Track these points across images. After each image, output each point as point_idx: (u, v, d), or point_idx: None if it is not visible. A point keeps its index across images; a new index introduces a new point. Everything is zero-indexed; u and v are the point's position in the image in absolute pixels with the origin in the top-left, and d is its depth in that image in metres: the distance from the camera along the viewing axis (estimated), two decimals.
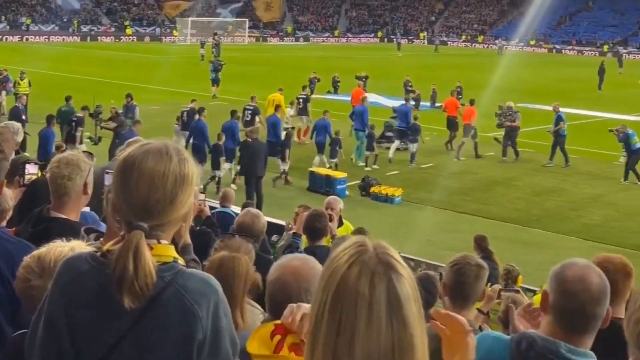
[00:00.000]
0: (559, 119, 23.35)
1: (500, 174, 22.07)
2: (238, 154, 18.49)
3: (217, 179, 18.61)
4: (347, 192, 18.75)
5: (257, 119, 22.61)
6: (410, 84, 36.17)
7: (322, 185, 18.88)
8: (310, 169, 19.82)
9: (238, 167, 18.63)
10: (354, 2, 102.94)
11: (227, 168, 19.23)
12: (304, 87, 28.03)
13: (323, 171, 19.42)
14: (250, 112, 22.82)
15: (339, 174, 19.28)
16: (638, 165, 21.46)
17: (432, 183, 20.48)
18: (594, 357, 2.72)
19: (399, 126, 23.86)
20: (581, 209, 18.70)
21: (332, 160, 21.15)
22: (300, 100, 26.02)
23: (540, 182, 21.25)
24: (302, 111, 25.81)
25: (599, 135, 26.69)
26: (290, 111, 25.46)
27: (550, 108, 24.53)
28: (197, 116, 20.24)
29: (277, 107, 22.02)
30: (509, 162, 23.43)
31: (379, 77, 39.16)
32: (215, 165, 18.54)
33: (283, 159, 19.94)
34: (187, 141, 19.34)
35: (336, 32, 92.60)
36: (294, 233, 7.35)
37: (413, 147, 22.62)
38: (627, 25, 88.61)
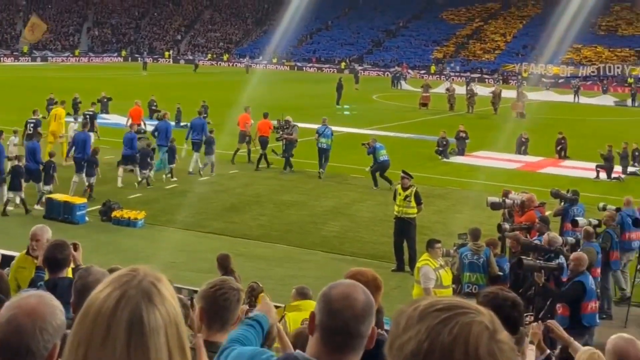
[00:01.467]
0: (316, 132, 25.22)
1: (243, 191, 22.42)
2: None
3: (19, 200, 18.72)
4: (87, 218, 18.15)
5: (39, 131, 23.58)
6: (155, 103, 35.85)
7: (60, 212, 18.11)
8: (48, 195, 18.96)
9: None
10: (97, 20, 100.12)
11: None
12: (92, 104, 29.64)
13: (61, 197, 18.60)
14: (32, 125, 24.20)
15: (79, 200, 18.59)
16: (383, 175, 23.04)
17: (176, 204, 20.30)
18: None
19: (193, 139, 24.83)
20: (321, 221, 19.47)
21: (144, 171, 22.02)
22: (87, 116, 27.08)
23: (282, 197, 21.86)
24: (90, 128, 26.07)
25: (337, 149, 28.05)
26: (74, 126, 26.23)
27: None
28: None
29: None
30: (286, 174, 24.99)
31: (123, 97, 38.33)
32: (16, 187, 18.52)
33: (90, 175, 20.55)
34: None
35: (77, 52, 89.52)
36: (37, 267, 6.98)
37: (211, 158, 24.17)
38: (362, 44, 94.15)
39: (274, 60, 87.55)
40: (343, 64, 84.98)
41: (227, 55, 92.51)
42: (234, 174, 24.71)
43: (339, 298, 2.71)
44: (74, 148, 21.42)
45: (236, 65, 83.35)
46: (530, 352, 6.37)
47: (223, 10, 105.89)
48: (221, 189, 22.71)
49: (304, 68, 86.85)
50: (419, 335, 1.48)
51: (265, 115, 26.40)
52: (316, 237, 18.05)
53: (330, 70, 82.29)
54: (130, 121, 26.88)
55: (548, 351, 6.47)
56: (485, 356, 1.46)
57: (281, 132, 25.61)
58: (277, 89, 53.12)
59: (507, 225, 13.97)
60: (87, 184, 20.42)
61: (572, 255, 11.25)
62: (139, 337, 1.56)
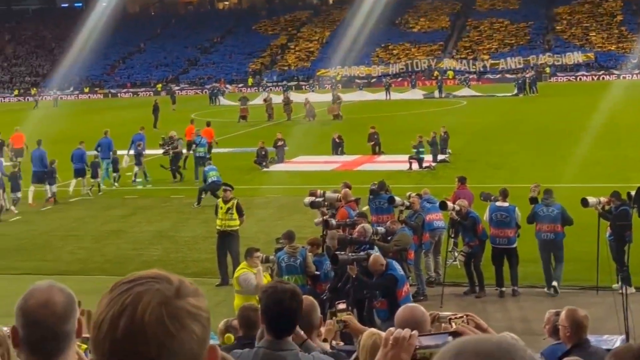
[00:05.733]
0: (194, 142, 27.80)
1: (57, 227, 21.63)
2: None
3: None
4: None
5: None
6: None
7: None
8: None
9: None
10: None
11: None
12: None
13: None
14: None
15: None
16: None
17: None
18: None
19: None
20: (141, 247, 19.08)
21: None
22: None
23: (99, 228, 21.27)
24: None
25: (158, 171, 27.78)
26: None
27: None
28: None
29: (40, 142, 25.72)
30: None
31: None
32: None
33: (52, 183, 24.38)
34: None
35: None
36: None
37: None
38: (178, 64, 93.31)
39: (86, 90, 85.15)
40: (159, 86, 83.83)
41: (35, 89, 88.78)
42: (46, 210, 23.80)
43: (38, 308, 2.65)
44: None
45: (45, 98, 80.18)
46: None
47: (27, 42, 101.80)
48: (32, 227, 21.79)
49: (119, 94, 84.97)
50: (100, 308, 1.52)
51: (208, 124, 31.70)
52: (137, 263, 17.59)
53: (146, 94, 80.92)
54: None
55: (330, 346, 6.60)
56: (153, 322, 1.48)
57: (167, 147, 27.59)
58: (89, 119, 51.66)
59: (334, 222, 14.14)
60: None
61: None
62: None
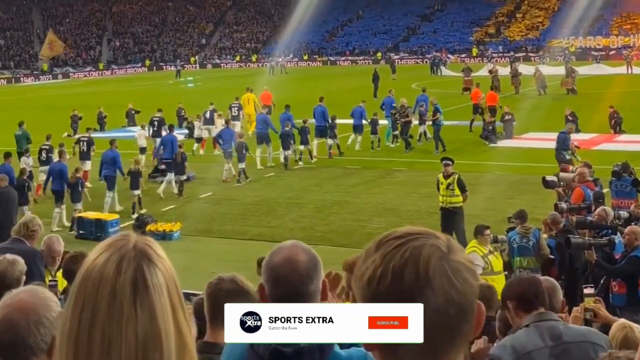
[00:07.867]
0: (436, 110, 28.36)
1: (280, 195, 22.68)
2: None
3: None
4: None
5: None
6: (183, 111, 36.29)
7: (92, 231, 18.45)
8: (79, 214, 19.38)
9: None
10: (117, 30, 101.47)
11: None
12: (159, 110, 31.03)
13: (92, 215, 19.07)
14: (46, 149, 23.77)
15: (111, 216, 19.03)
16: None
17: (211, 213, 20.71)
18: None
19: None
20: (364, 219, 19.62)
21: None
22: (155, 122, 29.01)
23: (322, 197, 22.10)
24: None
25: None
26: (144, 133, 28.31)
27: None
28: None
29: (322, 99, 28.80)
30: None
31: (152, 108, 38.79)
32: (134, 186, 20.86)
33: (333, 137, 27.76)
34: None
35: (101, 65, 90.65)
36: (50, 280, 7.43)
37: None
38: (396, 32, 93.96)
39: (305, 57, 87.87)
40: (379, 54, 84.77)
41: (255, 55, 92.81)
42: (270, 177, 25.07)
43: (282, 264, 2.87)
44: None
45: (266, 65, 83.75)
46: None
47: (247, 9, 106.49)
48: (257, 193, 23.01)
49: (338, 62, 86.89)
50: (375, 262, 1.64)
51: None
52: (361, 235, 18.01)
53: (365, 62, 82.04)
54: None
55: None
56: (436, 275, 1.60)
57: (398, 117, 29.14)
58: (309, 85, 53.39)
59: (564, 205, 13.83)
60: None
61: (627, 229, 11.27)
62: (144, 296, 1.67)
